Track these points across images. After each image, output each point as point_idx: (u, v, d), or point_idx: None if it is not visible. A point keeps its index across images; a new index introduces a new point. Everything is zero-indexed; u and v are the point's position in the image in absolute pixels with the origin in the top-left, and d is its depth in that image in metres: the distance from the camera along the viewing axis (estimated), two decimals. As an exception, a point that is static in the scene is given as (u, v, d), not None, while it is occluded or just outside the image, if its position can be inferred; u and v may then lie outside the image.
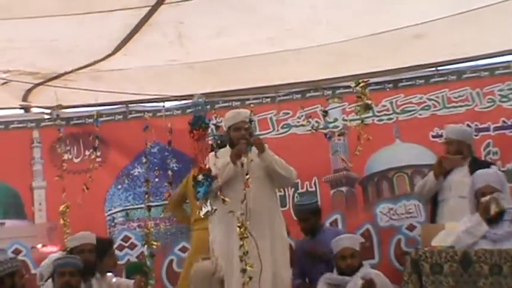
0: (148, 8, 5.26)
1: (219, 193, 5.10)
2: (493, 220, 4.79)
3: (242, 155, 5.31)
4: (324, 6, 5.64)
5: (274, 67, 7.03)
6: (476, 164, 5.91)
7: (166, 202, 6.81)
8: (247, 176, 5.09)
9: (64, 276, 5.16)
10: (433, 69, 7.30)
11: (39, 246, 7.18)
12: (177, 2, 5.20)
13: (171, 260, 7.32)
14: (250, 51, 6.49)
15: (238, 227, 4.93)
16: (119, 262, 6.93)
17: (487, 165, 6.03)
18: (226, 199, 5.05)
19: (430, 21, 6.03)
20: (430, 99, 7.26)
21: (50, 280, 5.42)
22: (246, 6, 5.45)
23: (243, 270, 4.89)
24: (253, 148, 5.60)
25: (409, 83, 7.36)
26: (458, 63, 7.26)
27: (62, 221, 5.25)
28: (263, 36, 6.16)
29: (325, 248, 5.96)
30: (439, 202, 6.10)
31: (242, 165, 5.26)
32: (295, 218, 6.48)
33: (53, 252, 6.63)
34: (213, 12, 5.48)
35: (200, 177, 5.02)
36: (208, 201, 5.11)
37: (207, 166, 5.08)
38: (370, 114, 6.99)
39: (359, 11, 5.80)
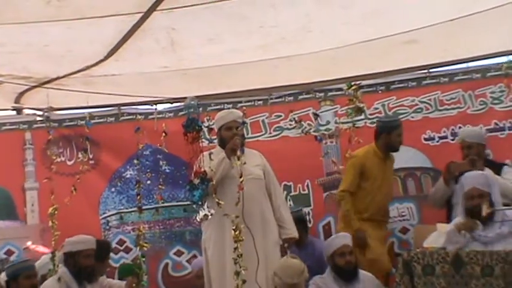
0: (141, 14, 5.25)
1: (214, 195, 5.13)
2: (484, 222, 4.82)
3: (237, 149, 5.34)
4: (317, 14, 5.63)
5: (266, 73, 7.03)
6: (489, 165, 5.96)
7: (158, 205, 6.84)
8: (242, 179, 5.12)
9: (31, 278, 5.40)
10: (425, 71, 7.29)
11: (29, 243, 7.18)
12: (170, 8, 5.18)
13: (167, 264, 7.35)
14: (242, 59, 6.48)
15: (234, 229, 4.95)
16: (114, 265, 6.99)
17: (499, 165, 6.09)
18: (221, 202, 5.07)
19: (422, 28, 6.02)
20: (422, 102, 7.26)
21: (51, 278, 5.50)
22: (239, 14, 5.45)
23: (237, 273, 4.91)
24: (246, 150, 5.64)
25: (401, 85, 7.35)
26: (450, 65, 7.26)
27: (50, 223, 5.25)
28: (255, 44, 6.15)
29: (311, 260, 5.98)
30: (453, 205, 6.08)
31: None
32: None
33: (44, 252, 6.67)
34: (205, 19, 5.46)
35: (196, 180, 5.04)
36: (206, 204, 5.14)
37: (202, 169, 5.11)
38: (363, 117, 7.04)
39: (351, 19, 5.79)
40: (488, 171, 5.65)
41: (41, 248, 6.93)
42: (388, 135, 6.38)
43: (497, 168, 5.95)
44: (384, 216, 6.50)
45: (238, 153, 5.29)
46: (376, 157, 6.39)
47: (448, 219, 5.84)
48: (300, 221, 6.30)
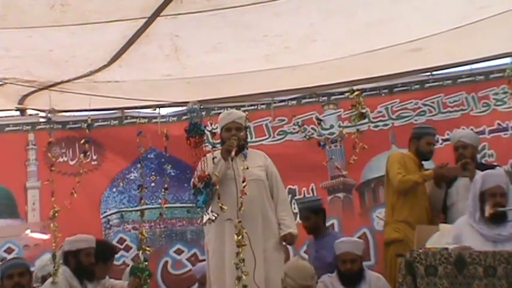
0: (145, 20, 5.25)
1: (218, 200, 5.13)
2: (495, 221, 4.83)
3: (232, 150, 5.32)
4: (322, 24, 5.62)
5: (270, 83, 7.04)
6: (481, 168, 5.91)
7: (161, 207, 6.85)
8: (244, 184, 5.11)
9: (13, 277, 5.29)
10: (428, 74, 7.32)
11: (28, 231, 7.24)
12: (174, 14, 5.18)
13: (166, 262, 7.37)
14: (246, 68, 6.47)
15: (236, 234, 4.95)
16: (114, 263, 7.00)
17: (491, 168, 6.04)
18: (224, 207, 5.07)
19: (427, 37, 6.03)
20: (425, 105, 7.29)
21: (46, 282, 5.46)
22: (243, 23, 5.44)
23: (238, 278, 4.89)
24: (249, 150, 5.65)
25: (404, 88, 7.39)
26: (453, 67, 7.27)
27: (52, 226, 5.27)
28: (260, 53, 6.13)
29: (329, 252, 5.98)
30: (448, 207, 6.13)
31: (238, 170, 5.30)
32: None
33: (42, 239, 6.70)
34: (209, 26, 5.45)
35: (200, 185, 5.04)
36: (210, 208, 5.15)
37: (206, 173, 5.11)
38: (366, 120, 7.05)
39: (356, 29, 5.79)
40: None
41: (38, 235, 6.99)
42: (417, 141, 6.31)
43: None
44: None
45: (233, 154, 5.27)
46: (412, 162, 6.29)
47: (444, 222, 5.85)
48: (319, 211, 6.32)
